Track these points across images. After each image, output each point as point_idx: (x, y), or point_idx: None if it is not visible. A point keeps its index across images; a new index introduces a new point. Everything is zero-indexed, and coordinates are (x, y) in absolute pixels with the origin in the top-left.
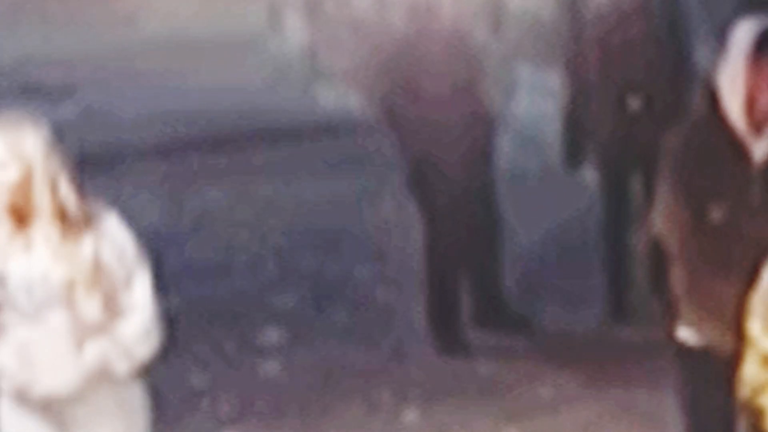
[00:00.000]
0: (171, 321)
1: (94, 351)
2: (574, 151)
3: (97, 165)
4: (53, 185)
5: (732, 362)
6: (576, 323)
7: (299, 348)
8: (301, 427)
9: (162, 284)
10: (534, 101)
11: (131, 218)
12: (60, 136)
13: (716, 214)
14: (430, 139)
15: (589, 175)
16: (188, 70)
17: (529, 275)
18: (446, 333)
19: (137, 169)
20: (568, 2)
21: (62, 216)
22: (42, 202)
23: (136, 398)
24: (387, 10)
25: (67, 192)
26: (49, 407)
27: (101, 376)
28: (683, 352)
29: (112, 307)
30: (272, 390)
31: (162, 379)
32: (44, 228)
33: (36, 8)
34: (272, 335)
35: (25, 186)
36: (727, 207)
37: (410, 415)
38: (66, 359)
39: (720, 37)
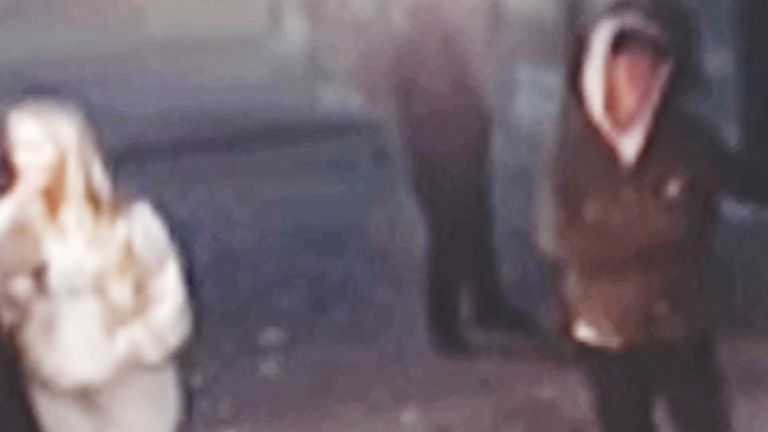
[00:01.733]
0: None
1: (126, 339)
2: None
3: None
4: (86, 168)
5: (629, 358)
6: None
7: (298, 348)
8: (300, 427)
9: None
10: (534, 101)
11: None
12: None
13: (589, 213)
14: (432, 137)
15: None
16: (190, 70)
17: (529, 274)
18: (446, 333)
19: (138, 168)
20: (568, 2)
21: (94, 199)
22: (75, 184)
23: (169, 384)
24: (387, 9)
25: (99, 176)
26: (83, 394)
27: (134, 364)
28: (583, 350)
29: (144, 294)
30: (271, 390)
31: None
32: (76, 211)
33: (41, 8)
34: (271, 335)
35: (59, 168)
36: (600, 206)
37: (409, 415)
38: (98, 347)
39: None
